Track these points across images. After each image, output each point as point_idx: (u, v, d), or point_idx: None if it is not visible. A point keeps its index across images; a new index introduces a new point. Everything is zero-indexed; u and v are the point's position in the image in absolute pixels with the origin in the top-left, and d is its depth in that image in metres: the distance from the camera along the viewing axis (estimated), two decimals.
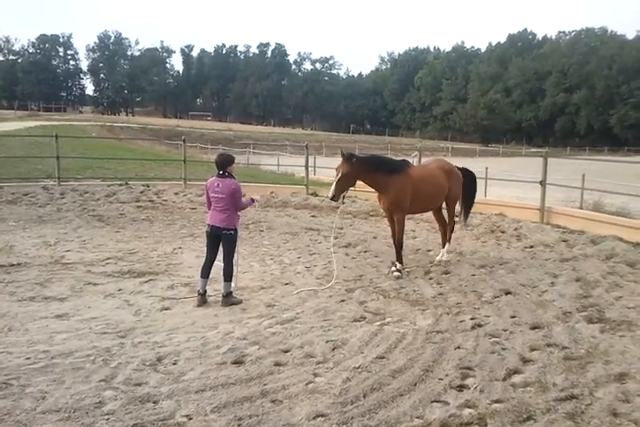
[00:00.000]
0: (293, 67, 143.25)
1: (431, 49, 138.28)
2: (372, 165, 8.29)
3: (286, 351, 5.37)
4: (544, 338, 5.69)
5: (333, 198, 7.98)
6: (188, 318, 6.36)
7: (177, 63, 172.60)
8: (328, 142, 58.59)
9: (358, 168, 8.04)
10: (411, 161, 10.44)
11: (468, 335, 5.80)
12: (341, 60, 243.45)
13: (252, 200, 7.35)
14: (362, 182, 8.39)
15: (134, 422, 3.96)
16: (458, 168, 9.67)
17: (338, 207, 9.60)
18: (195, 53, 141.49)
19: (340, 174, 7.92)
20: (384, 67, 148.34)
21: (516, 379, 4.74)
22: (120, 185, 16.81)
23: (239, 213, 7.11)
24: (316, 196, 16.41)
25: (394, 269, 8.44)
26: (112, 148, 32.57)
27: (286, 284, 7.88)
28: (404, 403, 4.31)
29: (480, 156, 58.38)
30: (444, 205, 9.65)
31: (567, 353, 5.26)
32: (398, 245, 8.64)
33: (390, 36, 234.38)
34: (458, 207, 9.95)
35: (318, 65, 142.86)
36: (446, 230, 9.64)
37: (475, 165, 15.79)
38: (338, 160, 8.26)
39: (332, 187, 7.93)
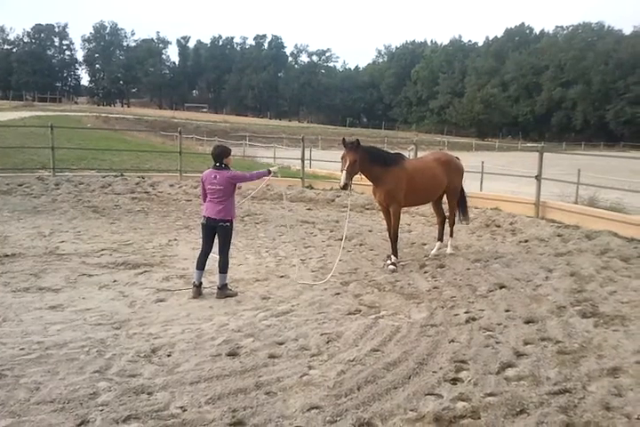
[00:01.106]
0: (290, 59, 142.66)
1: (428, 42, 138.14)
2: (371, 155, 8.31)
3: (281, 344, 5.37)
4: (538, 332, 5.70)
5: (345, 187, 7.98)
6: (183, 310, 6.35)
7: (173, 54, 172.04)
8: (324, 135, 58.45)
9: (362, 156, 8.07)
10: (407, 155, 10.43)
11: (463, 329, 5.82)
12: (338, 53, 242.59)
13: (269, 172, 7.35)
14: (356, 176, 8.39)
15: (128, 413, 3.95)
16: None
17: (337, 198, 9.58)
18: (191, 45, 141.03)
19: (348, 162, 7.93)
20: (381, 60, 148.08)
21: (510, 373, 4.75)
22: (115, 176, 16.75)
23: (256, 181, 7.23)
24: (312, 189, 16.39)
25: (389, 262, 8.44)
26: (107, 139, 32.46)
27: (281, 276, 7.89)
28: (397, 396, 4.32)
29: (476, 150, 58.36)
30: (444, 199, 9.66)
31: (561, 347, 5.28)
32: (393, 238, 8.64)
33: (387, 29, 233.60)
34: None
35: (315, 57, 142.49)
36: (444, 223, 9.64)
37: (471, 159, 15.80)
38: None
39: (343, 175, 7.91)
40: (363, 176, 8.62)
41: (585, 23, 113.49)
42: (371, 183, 8.78)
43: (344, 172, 7.92)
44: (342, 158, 8.06)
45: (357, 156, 7.98)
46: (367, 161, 8.19)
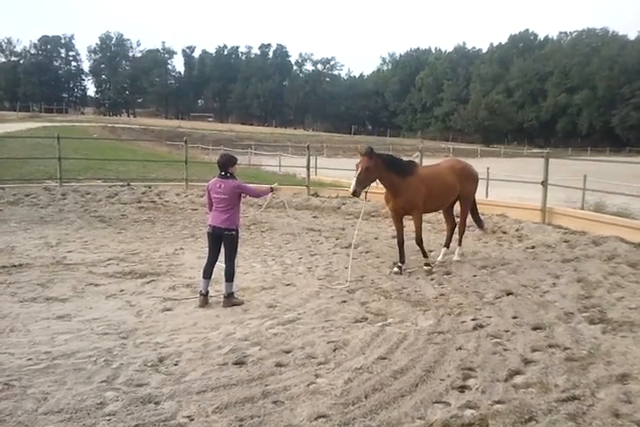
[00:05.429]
0: (295, 68, 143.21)
1: (432, 50, 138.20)
2: (388, 163, 8.36)
3: (288, 352, 5.36)
4: (546, 339, 5.67)
5: (354, 193, 8.02)
6: (190, 319, 6.35)
7: (178, 64, 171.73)
8: (330, 143, 58.56)
9: (378, 164, 8.13)
10: None
11: (470, 336, 5.79)
12: (343, 61, 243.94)
13: (271, 189, 7.39)
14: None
15: (136, 422, 3.95)
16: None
17: (343, 206, 9.59)
18: (196, 54, 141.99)
19: (359, 169, 8.00)
20: (385, 67, 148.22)
21: (518, 380, 4.73)
22: (122, 186, 16.83)
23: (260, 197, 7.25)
24: (318, 196, 16.40)
25: (395, 269, 8.48)
26: (114, 149, 32.62)
27: (288, 284, 7.88)
28: (405, 404, 4.31)
29: (481, 156, 58.26)
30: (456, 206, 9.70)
31: (569, 354, 5.24)
32: (419, 242, 8.81)
33: (391, 36, 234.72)
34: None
35: (320, 66, 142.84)
36: (453, 230, 9.63)
37: (476, 165, 15.75)
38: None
39: (353, 182, 7.99)
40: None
41: (589, 29, 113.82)
42: (378, 191, 8.85)
43: (354, 178, 8.01)
44: (356, 166, 8.17)
45: (370, 163, 8.03)
46: (384, 169, 8.25)
